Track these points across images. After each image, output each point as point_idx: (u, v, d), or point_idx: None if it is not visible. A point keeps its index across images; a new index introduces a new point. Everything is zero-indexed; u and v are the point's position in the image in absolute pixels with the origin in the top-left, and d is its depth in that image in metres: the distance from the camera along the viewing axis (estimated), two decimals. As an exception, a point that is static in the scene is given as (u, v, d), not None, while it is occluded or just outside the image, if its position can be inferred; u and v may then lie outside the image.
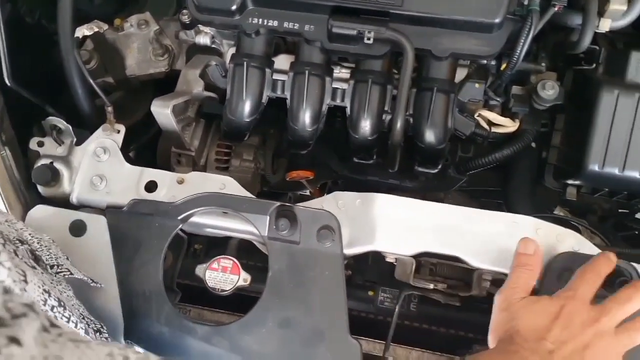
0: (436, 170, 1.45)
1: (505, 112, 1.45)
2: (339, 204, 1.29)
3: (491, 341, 1.11)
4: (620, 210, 1.60)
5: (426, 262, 1.33)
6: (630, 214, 1.59)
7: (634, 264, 1.19)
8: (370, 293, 1.43)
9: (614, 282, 1.16)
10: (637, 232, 1.64)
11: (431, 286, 1.25)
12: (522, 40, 1.23)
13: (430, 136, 1.33)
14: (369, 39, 1.26)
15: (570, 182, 1.40)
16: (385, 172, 1.54)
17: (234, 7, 1.31)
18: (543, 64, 1.38)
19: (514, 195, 1.50)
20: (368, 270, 1.48)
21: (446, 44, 1.28)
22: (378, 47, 1.29)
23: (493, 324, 1.12)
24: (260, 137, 1.65)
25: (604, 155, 1.28)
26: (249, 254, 1.44)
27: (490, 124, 1.42)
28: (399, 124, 1.30)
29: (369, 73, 1.32)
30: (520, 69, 1.37)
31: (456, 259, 1.23)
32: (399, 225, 1.25)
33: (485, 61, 1.37)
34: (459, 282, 1.29)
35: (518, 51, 1.25)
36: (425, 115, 1.31)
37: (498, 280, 1.27)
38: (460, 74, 1.40)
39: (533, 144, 1.52)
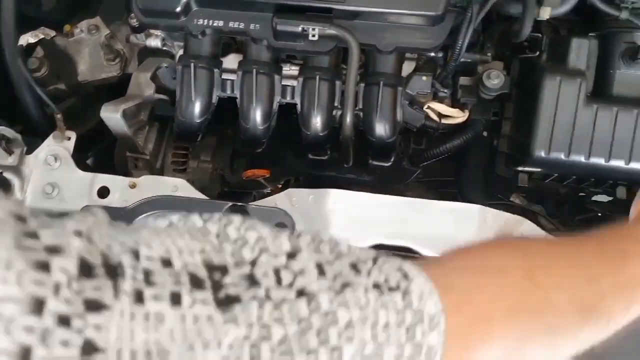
0: (390, 164, 1.47)
1: (454, 103, 1.47)
2: (293, 200, 1.29)
3: None
4: (579, 194, 1.63)
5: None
6: (587, 196, 1.62)
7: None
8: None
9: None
10: (599, 215, 1.67)
11: (384, 278, 1.26)
12: (464, 32, 1.25)
13: (380, 130, 1.34)
14: (313, 35, 1.27)
15: (520, 169, 1.42)
16: (343, 168, 1.55)
17: (178, 9, 1.30)
18: (489, 54, 1.40)
19: (466, 184, 1.52)
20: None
21: (390, 38, 1.29)
22: (324, 44, 1.30)
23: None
24: (217, 137, 1.65)
25: (550, 141, 1.30)
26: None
27: (440, 115, 1.44)
28: (348, 119, 1.31)
29: (317, 69, 1.33)
30: (466, 60, 1.39)
31: (409, 250, 1.25)
32: (352, 220, 1.26)
33: (433, 54, 1.39)
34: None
35: (460, 43, 1.26)
36: (373, 110, 1.32)
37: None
38: (409, 67, 1.42)
39: (485, 133, 1.54)
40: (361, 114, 1.36)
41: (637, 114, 1.27)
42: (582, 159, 1.30)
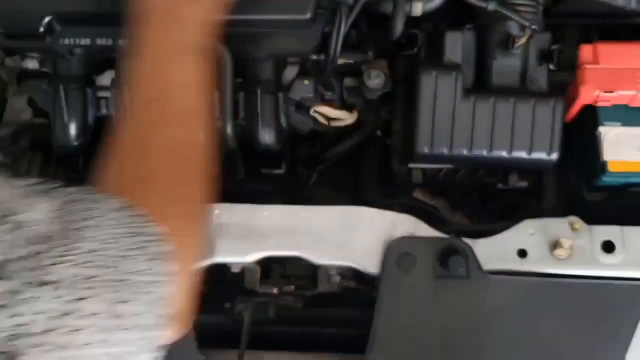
0: (282, 171, 1.44)
1: (343, 105, 1.45)
2: (176, 219, 1.25)
3: None
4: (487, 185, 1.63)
5: (276, 266, 1.32)
6: (492, 185, 1.62)
7: (467, 240, 1.22)
8: (227, 305, 1.41)
9: (447, 260, 1.18)
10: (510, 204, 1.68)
11: (275, 290, 1.24)
12: (335, 34, 1.24)
13: (264, 138, 1.32)
14: (185, 46, 1.23)
15: (411, 166, 1.42)
16: (239, 179, 1.52)
17: (41, 30, 1.25)
18: (370, 53, 1.39)
19: (363, 185, 1.51)
20: (227, 282, 1.46)
21: (265, 45, 1.27)
22: (197, 55, 1.27)
23: None
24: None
25: (432, 137, 1.30)
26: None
27: (329, 118, 1.43)
28: (229, 130, 1.28)
29: (192, 81, 1.29)
30: (348, 61, 1.38)
31: (299, 259, 1.22)
32: (238, 233, 1.23)
33: (315, 56, 1.37)
34: (306, 281, 1.29)
35: (333, 44, 1.25)
36: (255, 118, 1.30)
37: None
38: (291, 71, 1.39)
39: (379, 133, 1.54)
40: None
41: (515, 103, 1.29)
42: (465, 152, 1.31)
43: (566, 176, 1.45)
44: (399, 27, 1.27)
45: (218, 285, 1.47)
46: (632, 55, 1.29)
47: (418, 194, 1.64)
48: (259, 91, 1.27)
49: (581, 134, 1.38)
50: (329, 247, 1.22)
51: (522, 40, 1.27)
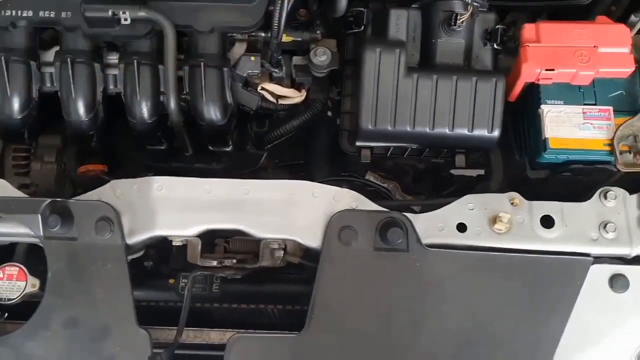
0: (230, 148, 1.44)
1: (293, 83, 1.46)
2: (117, 192, 1.24)
3: None
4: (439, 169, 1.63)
5: (220, 240, 1.31)
6: (444, 170, 1.63)
7: (407, 214, 1.23)
8: (172, 281, 1.40)
9: (386, 232, 1.19)
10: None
11: (214, 263, 1.24)
12: (278, 10, 1.24)
13: (208, 113, 1.31)
14: (125, 19, 1.23)
15: (359, 144, 1.42)
16: (190, 157, 1.52)
17: (-18, 1, 1.24)
18: (318, 32, 1.39)
19: (312, 163, 1.51)
20: (173, 258, 1.45)
21: (207, 18, 1.27)
22: (139, 27, 1.26)
23: None
24: (62, 136, 1.58)
25: (375, 114, 1.31)
26: (42, 257, 1.37)
27: (277, 96, 1.43)
28: (172, 104, 1.28)
29: (136, 54, 1.28)
30: (296, 39, 1.39)
31: (241, 233, 1.22)
32: (179, 206, 1.22)
33: (263, 33, 1.37)
34: (248, 255, 1.29)
35: (276, 20, 1.25)
36: (199, 93, 1.29)
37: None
38: (240, 48, 1.39)
39: (330, 114, 1.54)
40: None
41: (456, 80, 1.30)
42: (408, 128, 1.31)
43: (512, 156, 1.47)
44: (342, 4, 1.27)
45: (164, 262, 1.48)
46: (573, 34, 1.30)
47: (370, 177, 1.66)
48: (202, 65, 1.27)
49: (526, 113, 1.40)
50: (270, 221, 1.22)
51: (465, 17, 1.29)
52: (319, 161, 1.51)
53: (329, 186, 1.25)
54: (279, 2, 1.23)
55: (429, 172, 1.64)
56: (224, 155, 1.50)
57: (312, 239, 1.22)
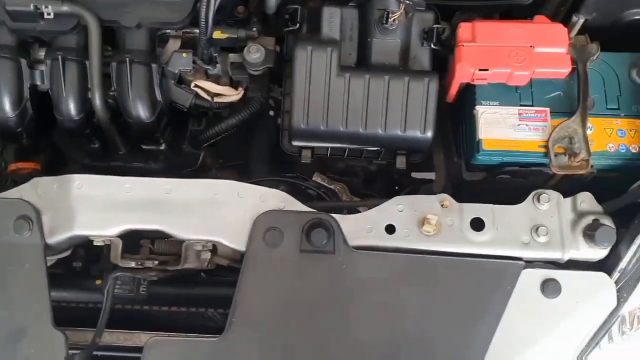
0: (163, 147, 1.41)
1: (232, 81, 1.43)
2: (38, 191, 1.21)
3: None
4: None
5: (145, 241, 1.28)
6: (396, 172, 1.60)
7: (335, 215, 1.20)
8: (98, 282, 1.37)
9: (310, 232, 1.16)
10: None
11: (132, 264, 1.20)
12: (204, 5, 1.21)
13: (135, 110, 1.28)
14: (49, 14, 1.20)
15: (295, 143, 1.39)
16: (129, 157, 1.49)
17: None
18: (255, 29, 1.37)
19: (252, 163, 1.49)
20: (103, 259, 1.42)
21: (134, 13, 1.24)
22: (65, 22, 1.24)
23: None
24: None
25: (307, 113, 1.28)
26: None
27: (213, 94, 1.40)
28: (97, 100, 1.25)
29: (61, 50, 1.26)
30: (232, 36, 1.36)
31: (162, 234, 1.19)
32: (99, 206, 1.19)
33: (197, 30, 1.34)
34: (171, 257, 1.26)
35: (203, 15, 1.22)
36: (125, 89, 1.26)
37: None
38: (174, 45, 1.36)
39: (272, 112, 1.52)
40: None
41: (389, 80, 1.27)
42: (341, 128, 1.29)
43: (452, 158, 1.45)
44: (272, 1, 1.25)
45: (95, 263, 1.45)
46: (509, 33, 1.28)
47: (317, 178, 1.63)
48: (128, 61, 1.24)
49: (463, 115, 1.38)
50: (192, 221, 1.19)
51: (397, 16, 1.26)
52: (258, 161, 1.48)
53: (255, 186, 1.22)
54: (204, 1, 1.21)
55: (381, 175, 1.62)
56: (161, 154, 1.47)
57: (237, 241, 1.19)
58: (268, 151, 1.49)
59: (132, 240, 1.27)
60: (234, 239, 1.19)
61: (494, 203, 1.26)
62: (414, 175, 1.58)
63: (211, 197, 1.20)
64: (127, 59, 1.24)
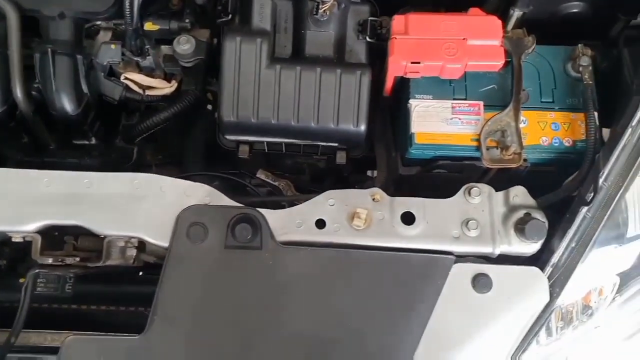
0: (93, 141, 1.37)
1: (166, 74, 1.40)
2: (-46, 186, 1.17)
3: None
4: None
5: (69, 238, 1.24)
6: (346, 169, 1.58)
7: (262, 210, 1.17)
8: (22, 280, 1.32)
9: (234, 227, 1.13)
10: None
11: (50, 261, 1.16)
12: (127, -4, 1.18)
13: (60, 102, 1.25)
14: (-36, 2, 1.16)
15: (228, 137, 1.36)
16: (62, 152, 1.45)
17: None
18: (187, 20, 1.34)
19: (187, 157, 1.45)
20: (29, 257, 1.37)
21: (56, 3, 1.21)
22: (-18, 12, 1.20)
23: None
24: None
25: (236, 105, 1.25)
26: None
27: (145, 87, 1.37)
28: (18, 92, 1.21)
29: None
30: (163, 27, 1.33)
31: (82, 229, 1.15)
32: (16, 200, 1.15)
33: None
34: (93, 253, 1.22)
35: (128, 6, 1.19)
36: (49, 81, 1.23)
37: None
38: (104, 36, 1.33)
39: (210, 106, 1.49)
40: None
41: (320, 72, 1.25)
42: (272, 121, 1.26)
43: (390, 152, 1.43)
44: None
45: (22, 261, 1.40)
46: (441, 25, 1.26)
47: (262, 175, 1.60)
48: (50, 51, 1.20)
49: (398, 108, 1.36)
50: (112, 216, 1.15)
51: (326, 7, 1.24)
52: (194, 156, 1.45)
53: (180, 180, 1.19)
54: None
55: (331, 172, 1.59)
56: (93, 150, 1.43)
57: (160, 237, 1.15)
58: (204, 146, 1.46)
59: (59, 237, 1.23)
60: (157, 235, 1.16)
61: (431, 198, 1.25)
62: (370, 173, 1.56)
63: (132, 191, 1.16)
64: (50, 49, 1.20)
